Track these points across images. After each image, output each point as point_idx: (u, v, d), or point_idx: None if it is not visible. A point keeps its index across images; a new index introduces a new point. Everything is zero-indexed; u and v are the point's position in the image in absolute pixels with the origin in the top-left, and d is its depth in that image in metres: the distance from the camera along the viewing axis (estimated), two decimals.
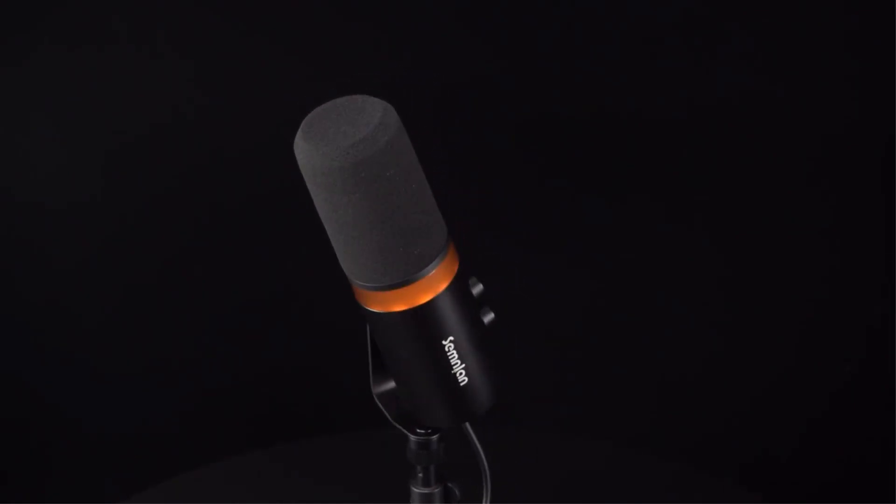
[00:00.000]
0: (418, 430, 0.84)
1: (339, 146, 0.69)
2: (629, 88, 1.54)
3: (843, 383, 1.53)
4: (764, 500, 1.51)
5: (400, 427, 0.84)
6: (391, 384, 0.83)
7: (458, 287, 0.78)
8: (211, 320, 1.58)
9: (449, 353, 0.78)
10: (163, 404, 1.58)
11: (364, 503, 1.49)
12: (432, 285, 0.76)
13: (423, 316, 0.76)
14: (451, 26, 1.54)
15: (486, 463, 0.85)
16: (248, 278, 1.57)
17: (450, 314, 0.77)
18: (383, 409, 0.84)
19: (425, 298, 0.76)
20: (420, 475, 0.85)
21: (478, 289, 0.80)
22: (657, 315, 1.58)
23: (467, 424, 0.83)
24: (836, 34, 1.51)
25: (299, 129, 0.72)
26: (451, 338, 0.77)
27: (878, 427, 1.51)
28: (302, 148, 0.71)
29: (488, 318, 0.81)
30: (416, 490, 0.86)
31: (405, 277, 0.74)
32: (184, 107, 1.54)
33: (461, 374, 0.78)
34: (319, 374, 1.58)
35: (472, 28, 1.54)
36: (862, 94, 1.52)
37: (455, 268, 0.78)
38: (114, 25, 1.51)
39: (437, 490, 0.85)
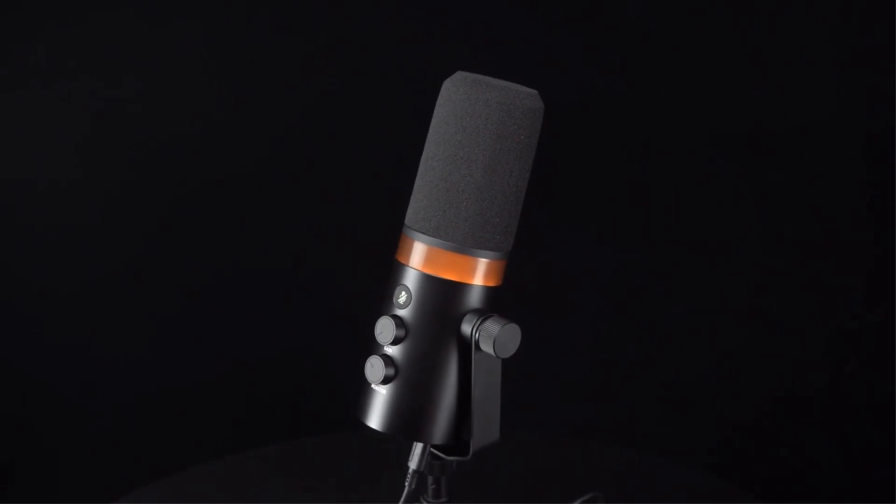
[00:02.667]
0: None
1: (511, 89, 0.77)
2: (628, 87, 1.54)
3: (844, 383, 1.53)
4: (763, 500, 1.51)
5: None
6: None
7: (487, 298, 0.79)
8: (213, 318, 1.57)
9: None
10: (163, 401, 1.57)
11: (362, 503, 1.49)
12: (471, 271, 0.78)
13: (442, 291, 0.77)
14: (453, 26, 1.53)
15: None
16: (249, 275, 1.57)
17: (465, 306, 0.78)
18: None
19: (456, 277, 0.77)
20: (432, 486, 0.84)
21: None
22: (658, 316, 1.57)
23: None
24: (831, 32, 1.51)
25: (454, 76, 0.78)
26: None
27: (878, 427, 1.51)
28: (468, 81, 0.77)
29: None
30: (426, 502, 0.85)
31: (461, 243, 0.77)
32: (182, 97, 1.53)
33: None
34: (318, 371, 1.58)
35: (474, 27, 1.53)
36: (860, 92, 1.52)
37: (494, 281, 0.80)
38: (98, 16, 1.50)
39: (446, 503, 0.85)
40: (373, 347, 0.80)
